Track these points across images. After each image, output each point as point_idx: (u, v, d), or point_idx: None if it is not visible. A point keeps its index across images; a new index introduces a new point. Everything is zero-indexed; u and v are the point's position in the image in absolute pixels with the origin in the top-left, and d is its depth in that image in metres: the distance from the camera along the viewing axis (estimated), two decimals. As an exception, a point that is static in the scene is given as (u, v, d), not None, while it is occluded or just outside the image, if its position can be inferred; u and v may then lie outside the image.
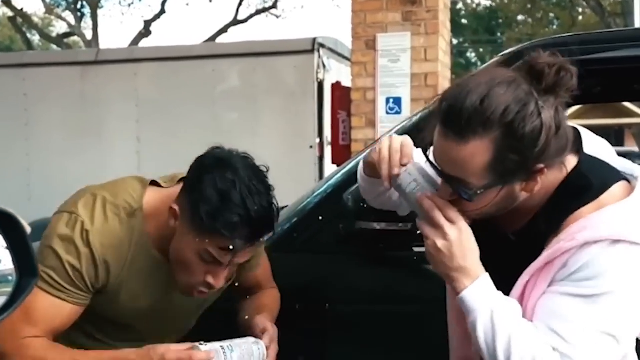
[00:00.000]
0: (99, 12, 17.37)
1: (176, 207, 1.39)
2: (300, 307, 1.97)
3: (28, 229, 0.78)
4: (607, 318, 1.11)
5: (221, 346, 1.38)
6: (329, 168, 6.32)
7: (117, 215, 1.44)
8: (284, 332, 1.98)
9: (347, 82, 5.99)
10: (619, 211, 1.14)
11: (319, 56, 6.54)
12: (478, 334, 1.15)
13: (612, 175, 1.21)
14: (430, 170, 1.22)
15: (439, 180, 1.20)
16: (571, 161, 1.20)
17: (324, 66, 6.60)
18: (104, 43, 17.85)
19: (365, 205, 1.85)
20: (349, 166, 2.28)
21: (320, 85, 6.52)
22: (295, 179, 6.37)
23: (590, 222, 1.13)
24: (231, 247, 1.34)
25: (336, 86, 6.04)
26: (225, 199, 1.32)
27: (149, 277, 1.48)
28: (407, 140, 1.26)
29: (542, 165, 1.12)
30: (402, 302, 1.91)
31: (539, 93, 1.10)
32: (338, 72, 6.84)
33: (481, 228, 1.20)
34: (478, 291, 1.17)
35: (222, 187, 1.32)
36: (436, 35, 5.47)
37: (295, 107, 6.54)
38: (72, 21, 17.74)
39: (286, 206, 2.64)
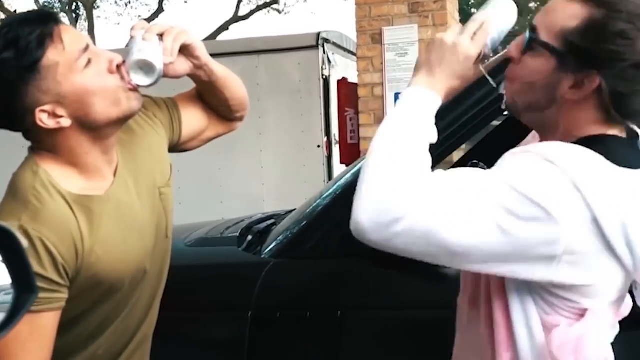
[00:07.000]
0: (95, 12, 17.26)
1: (39, 111, 1.31)
2: (312, 314, 1.93)
3: (25, 244, 0.76)
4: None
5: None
6: (338, 168, 6.18)
7: (35, 197, 1.29)
8: (295, 341, 1.95)
9: (353, 78, 5.83)
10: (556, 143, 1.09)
11: (324, 51, 6.37)
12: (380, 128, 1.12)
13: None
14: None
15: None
16: (612, 131, 1.12)
17: (330, 62, 6.43)
18: (101, 44, 17.71)
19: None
20: (357, 166, 2.24)
21: (326, 82, 6.35)
22: (303, 180, 6.24)
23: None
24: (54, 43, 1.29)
25: (342, 82, 5.89)
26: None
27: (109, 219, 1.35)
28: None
29: (598, 79, 1.07)
30: (415, 307, 1.89)
31: None
32: (344, 68, 6.69)
33: None
34: (420, 96, 1.12)
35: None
36: (445, 27, 5.33)
37: (300, 105, 6.38)
38: (67, 23, 17.61)
39: (294, 209, 2.58)
